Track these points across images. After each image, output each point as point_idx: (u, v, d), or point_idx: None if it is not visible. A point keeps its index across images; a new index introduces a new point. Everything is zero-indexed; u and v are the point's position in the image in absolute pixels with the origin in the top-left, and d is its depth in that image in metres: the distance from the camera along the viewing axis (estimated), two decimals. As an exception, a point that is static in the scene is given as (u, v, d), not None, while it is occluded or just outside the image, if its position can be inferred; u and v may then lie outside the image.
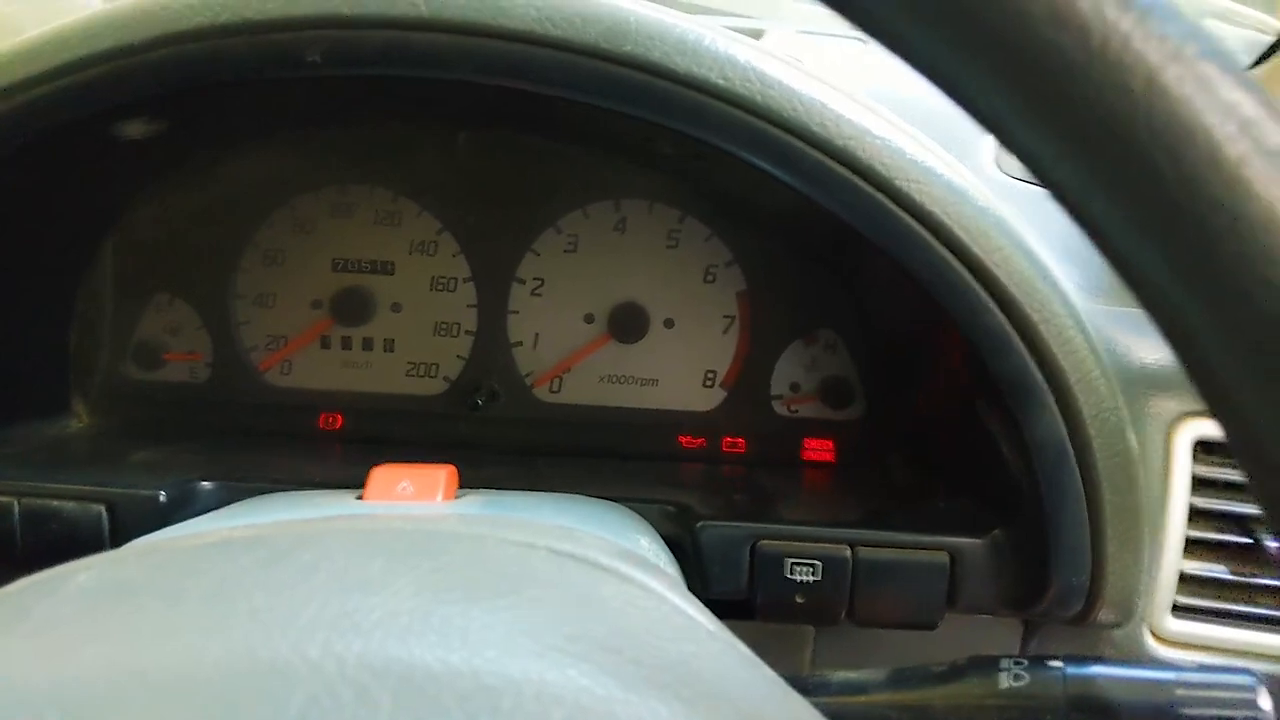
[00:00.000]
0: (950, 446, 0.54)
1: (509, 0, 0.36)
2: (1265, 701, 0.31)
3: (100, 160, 0.50)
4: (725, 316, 0.61)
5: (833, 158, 0.37)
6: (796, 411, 0.61)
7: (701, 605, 0.31)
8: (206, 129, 0.52)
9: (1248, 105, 0.16)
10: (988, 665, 0.34)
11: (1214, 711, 0.31)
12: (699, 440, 0.61)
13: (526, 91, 0.40)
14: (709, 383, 0.62)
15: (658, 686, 0.23)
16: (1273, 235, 0.16)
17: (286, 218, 0.61)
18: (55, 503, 0.48)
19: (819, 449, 0.61)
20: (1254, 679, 0.32)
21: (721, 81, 0.37)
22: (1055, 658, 0.34)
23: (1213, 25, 1.04)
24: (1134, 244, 0.17)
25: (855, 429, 0.61)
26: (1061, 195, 0.18)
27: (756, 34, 0.67)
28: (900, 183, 0.38)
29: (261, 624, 0.23)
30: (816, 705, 0.26)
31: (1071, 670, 0.33)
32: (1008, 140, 0.18)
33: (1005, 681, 0.33)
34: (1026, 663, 0.34)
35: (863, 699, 0.35)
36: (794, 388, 0.61)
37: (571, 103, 0.40)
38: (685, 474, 0.58)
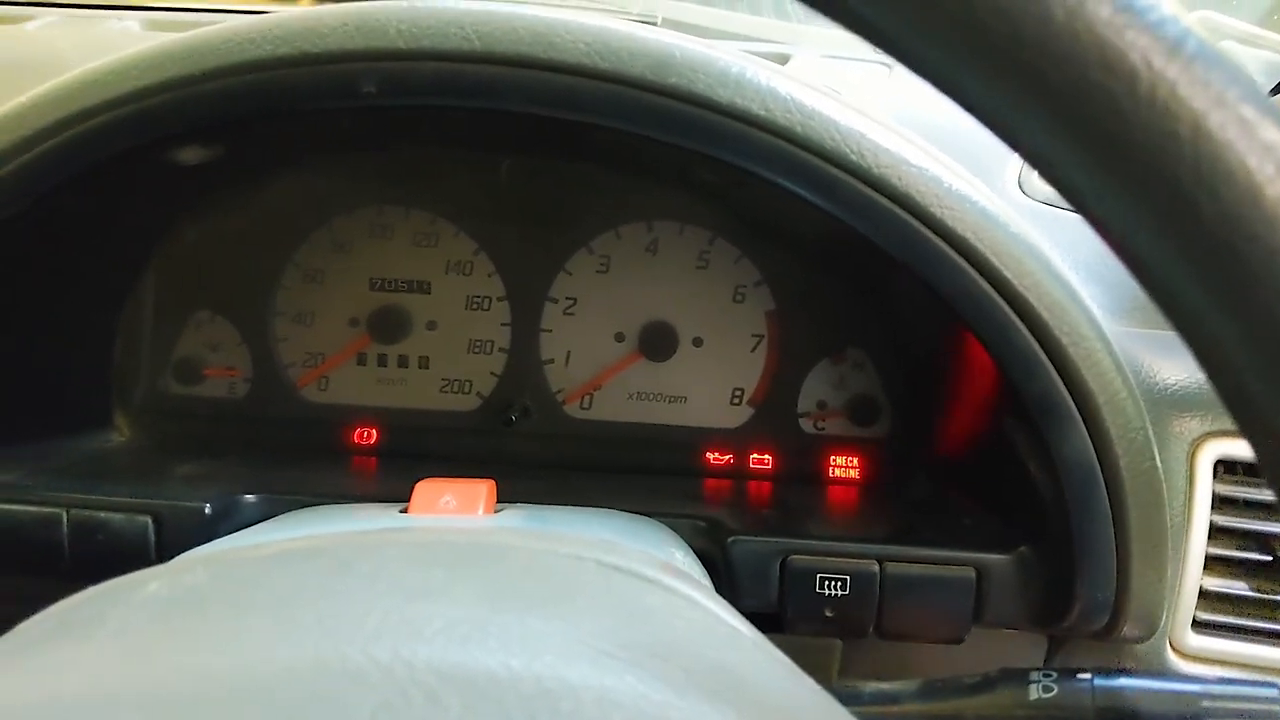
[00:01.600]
0: (977, 465, 0.55)
1: (559, 34, 0.38)
2: (1291, 713, 0.32)
3: (152, 184, 0.52)
4: (754, 335, 0.62)
5: (870, 185, 0.38)
6: (823, 429, 0.62)
7: (740, 616, 0.32)
8: (254, 153, 0.54)
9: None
10: (1018, 677, 0.35)
11: (1244, 714, 0.32)
12: (727, 456, 0.62)
13: (568, 120, 0.41)
14: (737, 400, 0.63)
15: (707, 692, 0.24)
16: None
17: (326, 238, 0.62)
18: (103, 514, 0.50)
19: (846, 466, 0.62)
20: (1278, 690, 0.33)
21: (763, 113, 0.38)
22: (1084, 670, 0.35)
23: (1232, 48, 1.05)
24: (1175, 276, 0.18)
25: (882, 447, 0.62)
26: (1104, 228, 0.19)
27: (783, 59, 0.69)
28: (935, 209, 0.39)
29: (329, 631, 0.24)
30: (853, 714, 0.27)
31: (1099, 682, 0.34)
32: (1053, 176, 0.19)
33: (1035, 693, 0.34)
34: (1056, 675, 0.35)
35: (896, 709, 0.36)
36: (821, 405, 0.62)
37: (610, 130, 0.41)
38: (714, 490, 0.59)
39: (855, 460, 0.62)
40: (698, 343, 0.62)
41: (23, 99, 0.41)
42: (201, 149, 0.46)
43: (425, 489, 0.44)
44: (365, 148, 0.58)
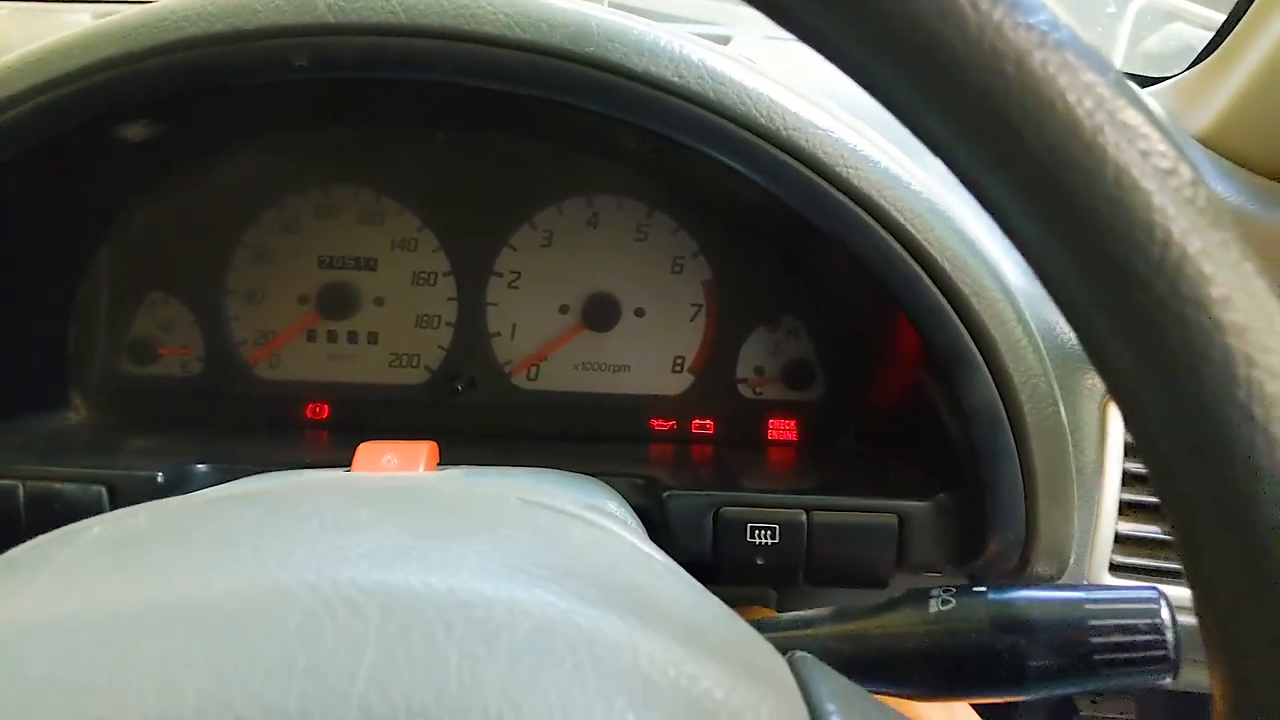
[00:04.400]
0: (903, 422, 0.58)
1: (481, 6, 0.40)
2: (1165, 613, 0.35)
3: (98, 164, 0.54)
4: (693, 305, 0.64)
5: (779, 147, 0.41)
6: (761, 394, 0.65)
7: (657, 549, 0.34)
8: (199, 132, 0.55)
9: (1102, 85, 0.20)
10: (920, 595, 0.38)
11: (1119, 622, 0.35)
12: (669, 422, 0.65)
13: (498, 92, 0.43)
14: (678, 368, 0.65)
15: (615, 605, 0.26)
16: (1121, 189, 0.19)
17: (275, 218, 0.64)
18: (58, 485, 0.51)
19: (782, 428, 0.64)
20: (1157, 593, 0.35)
21: (677, 79, 0.40)
22: (982, 587, 0.38)
23: (1176, 28, 1.08)
24: (1013, 207, 0.21)
25: (816, 409, 0.64)
26: (952, 166, 0.21)
27: (724, 40, 0.71)
28: (840, 169, 0.41)
29: (262, 559, 0.26)
30: (768, 639, 0.29)
31: (994, 595, 0.37)
32: (910, 123, 0.21)
33: (935, 606, 0.37)
34: (955, 590, 0.37)
35: (808, 632, 0.39)
36: (758, 371, 0.65)
37: (541, 102, 0.43)
38: (657, 453, 0.61)
39: (791, 423, 0.64)
40: (639, 313, 0.65)
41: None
42: (145, 126, 0.48)
43: (367, 450, 0.46)
44: (307, 127, 0.59)
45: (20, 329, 0.60)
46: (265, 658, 0.21)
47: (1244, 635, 0.19)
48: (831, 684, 0.26)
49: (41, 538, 0.31)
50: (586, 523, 0.33)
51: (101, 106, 0.44)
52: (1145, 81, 0.79)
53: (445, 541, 0.28)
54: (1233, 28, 0.70)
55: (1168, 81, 0.77)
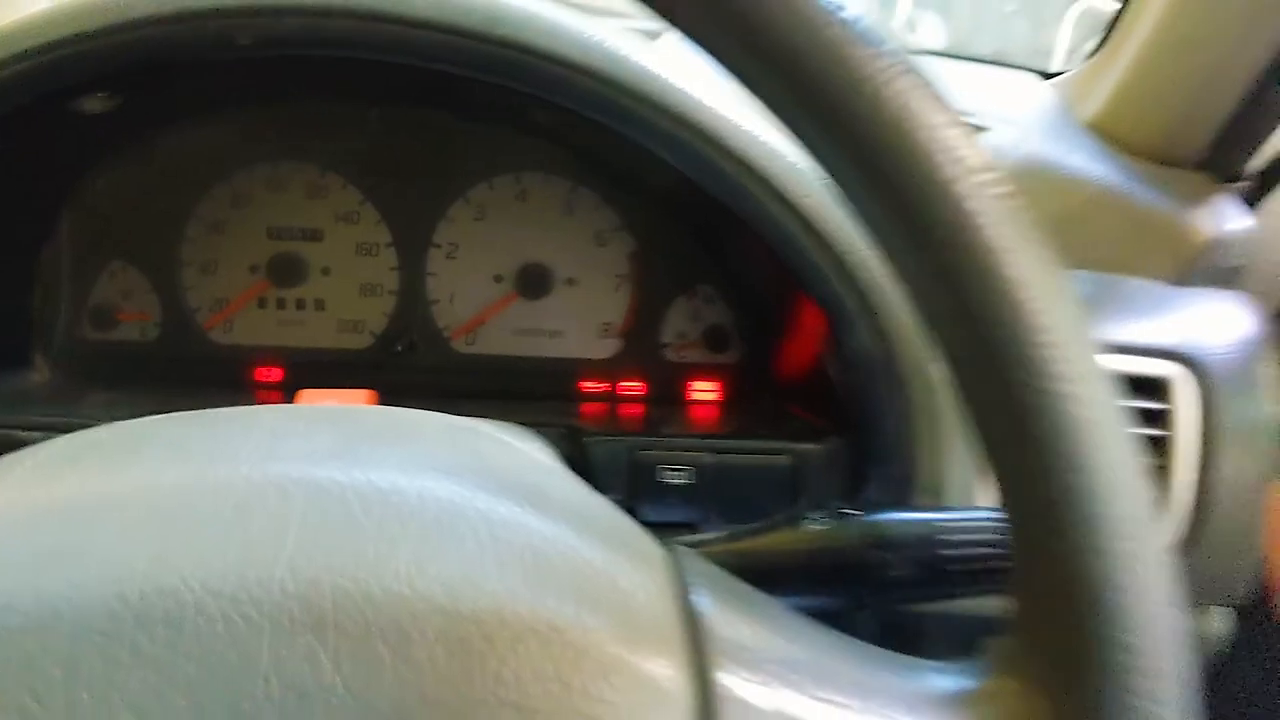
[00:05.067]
0: (810, 380, 0.63)
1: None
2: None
3: (58, 136, 0.58)
4: (618, 275, 0.69)
5: (671, 120, 0.46)
6: (684, 357, 0.70)
7: (563, 468, 0.39)
8: (154, 106, 0.60)
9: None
10: (799, 517, 0.43)
11: (968, 538, 0.40)
12: (600, 384, 0.70)
13: (428, 72, 0.48)
14: (606, 334, 0.70)
15: (513, 496, 0.30)
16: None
17: (226, 191, 0.68)
18: (22, 433, 0.56)
19: (704, 389, 0.69)
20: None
21: (578, 56, 0.45)
22: (856, 510, 0.43)
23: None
24: (772, 90, 0.24)
25: (734, 370, 0.70)
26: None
27: (654, 35, 0.76)
28: (729, 141, 0.46)
29: (206, 458, 0.30)
30: None
31: (861, 517, 0.42)
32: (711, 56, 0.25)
33: (811, 526, 0.42)
34: (830, 513, 0.43)
35: (700, 549, 0.44)
36: (681, 336, 0.70)
37: (467, 81, 0.48)
38: (586, 410, 0.66)
39: (712, 384, 0.69)
40: (570, 282, 0.70)
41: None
42: (103, 99, 0.52)
43: (307, 396, 0.51)
44: (255, 103, 0.64)
45: (-17, 294, 0.64)
46: (205, 533, 0.25)
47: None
48: (700, 565, 0.31)
49: (12, 454, 0.35)
50: (498, 440, 0.38)
51: (61, 80, 0.48)
52: (1047, 75, 0.86)
53: (369, 446, 0.32)
54: (1119, 20, 0.76)
55: (1066, 74, 0.83)
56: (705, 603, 0.28)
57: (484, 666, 0.24)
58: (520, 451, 0.37)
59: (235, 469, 0.28)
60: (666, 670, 0.25)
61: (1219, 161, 0.70)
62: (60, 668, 0.23)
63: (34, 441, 0.55)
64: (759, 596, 0.31)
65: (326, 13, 0.44)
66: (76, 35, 0.45)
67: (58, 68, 0.46)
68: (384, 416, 0.38)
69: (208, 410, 0.36)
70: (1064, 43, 1.29)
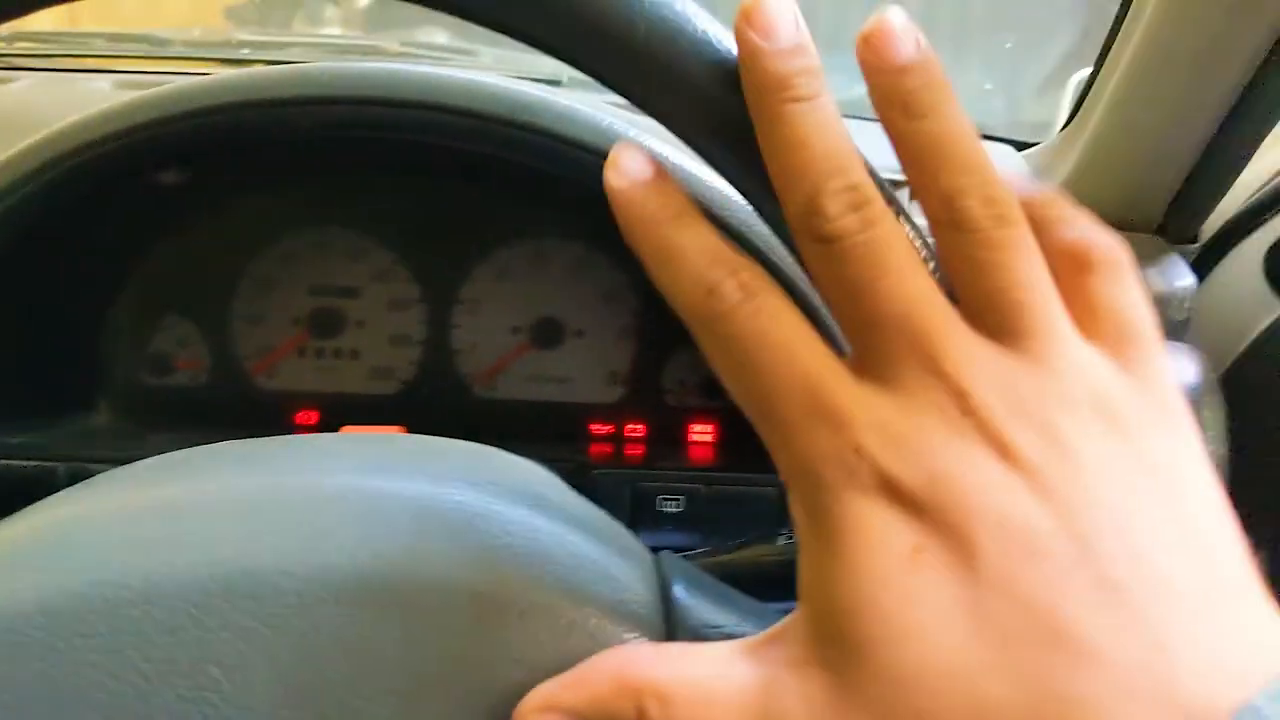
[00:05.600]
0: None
1: (442, 83, 0.53)
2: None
3: (133, 206, 0.66)
4: (624, 327, 0.77)
5: None
6: (683, 402, 0.77)
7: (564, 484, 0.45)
8: (219, 178, 0.68)
9: None
10: (771, 535, 0.49)
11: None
12: (607, 426, 0.76)
13: (456, 149, 0.56)
14: (613, 381, 0.77)
15: (522, 501, 0.36)
16: None
17: (275, 252, 0.76)
18: (93, 465, 0.62)
19: (702, 431, 0.76)
20: None
21: (591, 140, 0.53)
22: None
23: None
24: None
25: (729, 413, 0.76)
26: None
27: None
28: (725, 211, 0.53)
29: (276, 471, 0.36)
30: None
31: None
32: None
33: (782, 540, 0.48)
34: (797, 531, 0.49)
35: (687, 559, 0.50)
36: (681, 382, 0.77)
37: (497, 160, 0.55)
38: (593, 450, 0.73)
39: (709, 426, 0.76)
40: (580, 334, 0.77)
41: (37, 136, 0.55)
42: (177, 173, 0.60)
43: (348, 431, 0.58)
44: (306, 176, 0.72)
45: (56, 343, 0.71)
46: (280, 527, 0.31)
47: None
48: (681, 564, 0.37)
49: (105, 473, 0.42)
50: (510, 460, 0.44)
51: (142, 159, 0.56)
52: (1022, 146, 0.93)
53: (407, 463, 0.38)
54: (1085, 96, 0.83)
55: (1038, 146, 0.91)
56: (682, 590, 0.34)
57: (497, 633, 0.30)
58: (529, 469, 0.44)
59: (300, 478, 0.35)
60: (644, 640, 0.31)
61: (1173, 226, 0.77)
62: (162, 633, 0.29)
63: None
64: (730, 589, 0.37)
65: (375, 101, 0.52)
66: (159, 119, 0.53)
67: (140, 148, 0.54)
68: (417, 442, 0.44)
69: (273, 437, 0.42)
70: (1065, 108, 1.36)
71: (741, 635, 0.32)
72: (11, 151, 0.57)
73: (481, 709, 0.30)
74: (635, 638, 0.31)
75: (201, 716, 0.29)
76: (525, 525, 0.34)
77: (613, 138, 0.53)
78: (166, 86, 0.55)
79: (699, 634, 0.32)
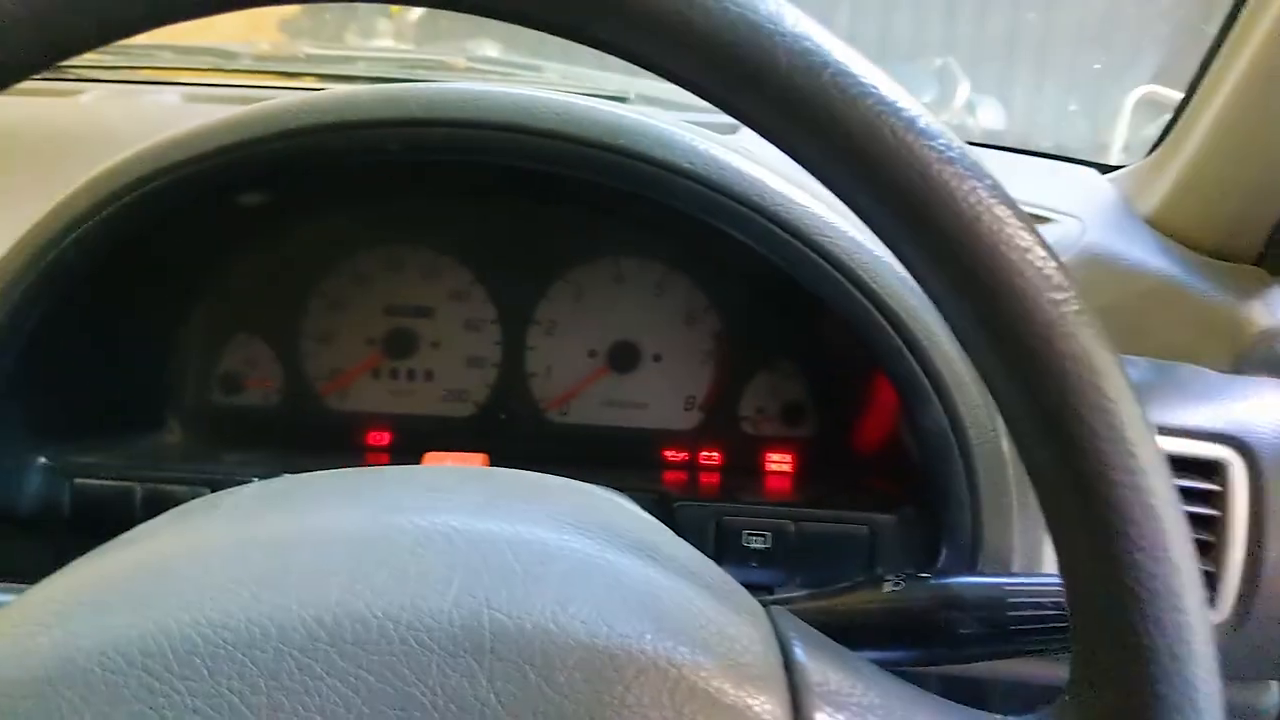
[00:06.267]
0: (881, 452, 0.67)
1: (537, 106, 0.51)
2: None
3: (212, 225, 0.65)
4: (703, 351, 0.75)
5: (767, 218, 0.51)
6: (761, 430, 0.75)
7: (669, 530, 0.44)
8: (297, 199, 0.67)
9: (982, 189, 0.29)
10: (877, 579, 0.47)
11: (1032, 600, 0.44)
12: (681, 453, 0.75)
13: (543, 171, 0.54)
14: (689, 406, 0.75)
15: (634, 550, 0.35)
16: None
17: (349, 270, 0.75)
18: (168, 487, 0.62)
19: (779, 460, 0.74)
20: None
21: (688, 165, 0.51)
22: (928, 574, 0.47)
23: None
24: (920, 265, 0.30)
25: (809, 444, 0.74)
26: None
27: (732, 129, 0.82)
28: (816, 236, 0.52)
29: (381, 506, 0.35)
30: None
31: (935, 580, 0.46)
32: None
33: (888, 588, 0.46)
34: (905, 576, 0.47)
35: (786, 607, 0.48)
36: (759, 410, 0.75)
37: (579, 179, 0.54)
38: (669, 478, 0.71)
39: (787, 455, 0.74)
40: (657, 358, 0.75)
41: (129, 152, 0.54)
42: (260, 194, 0.59)
43: (432, 458, 0.56)
44: (383, 195, 0.71)
45: (128, 361, 0.71)
46: (385, 570, 0.30)
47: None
48: (796, 624, 0.35)
49: (201, 499, 0.41)
50: (613, 501, 0.43)
51: (229, 179, 0.55)
52: (1106, 169, 0.90)
53: (513, 502, 0.37)
54: (1178, 120, 0.80)
55: (1125, 169, 0.87)
56: (799, 651, 0.32)
57: (612, 692, 0.29)
58: (632, 513, 0.42)
59: (407, 517, 0.33)
60: (767, 706, 0.29)
61: (1274, 257, 0.74)
62: (265, 677, 0.28)
63: (177, 494, 0.62)
64: (844, 650, 0.35)
65: (468, 124, 0.51)
66: (250, 140, 0.52)
67: (229, 170, 0.53)
68: (520, 479, 0.42)
69: (371, 467, 0.41)
70: (1123, 132, 1.33)
71: (869, 703, 0.31)
72: (97, 171, 0.56)
73: None
74: (757, 704, 0.29)
75: None
76: (640, 577, 0.32)
77: (708, 161, 0.52)
78: (255, 107, 0.54)
79: (824, 700, 0.30)
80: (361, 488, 0.38)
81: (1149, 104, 1.29)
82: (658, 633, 0.30)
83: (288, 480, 0.39)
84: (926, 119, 0.27)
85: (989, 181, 0.27)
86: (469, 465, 0.56)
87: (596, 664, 0.29)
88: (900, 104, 0.27)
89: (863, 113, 0.27)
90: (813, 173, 0.29)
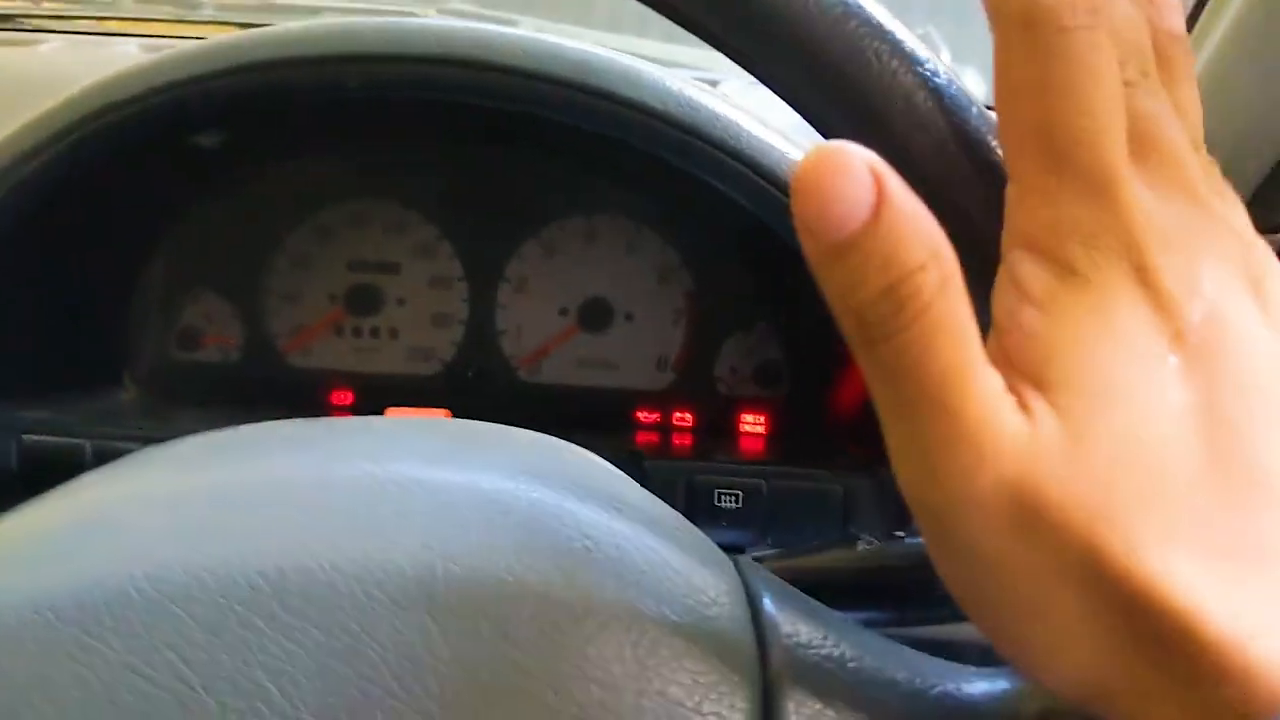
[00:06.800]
0: (857, 412, 0.66)
1: (504, 40, 0.49)
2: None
3: (167, 170, 0.63)
4: (676, 311, 0.73)
5: (741, 162, 0.50)
6: (735, 391, 0.73)
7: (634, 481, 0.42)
8: (257, 144, 0.65)
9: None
10: (851, 538, 0.46)
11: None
12: (653, 414, 0.73)
13: (512, 116, 0.52)
14: (662, 367, 0.74)
15: (596, 501, 0.33)
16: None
17: (311, 225, 0.72)
18: (119, 444, 0.60)
19: (754, 422, 0.72)
20: None
21: (659, 105, 0.49)
22: (903, 534, 0.46)
23: None
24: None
25: (784, 405, 0.73)
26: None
27: (714, 84, 0.80)
28: (780, 175, 0.50)
29: (330, 457, 0.33)
30: None
31: (909, 539, 0.45)
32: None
33: (861, 547, 0.45)
34: (880, 535, 0.45)
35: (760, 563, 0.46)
36: (733, 371, 0.73)
37: (547, 124, 0.52)
38: (641, 438, 0.70)
39: (762, 417, 0.72)
40: (629, 317, 0.73)
41: (74, 89, 0.52)
42: (216, 135, 0.57)
43: (393, 414, 0.54)
44: (346, 144, 0.68)
45: (80, 316, 0.68)
46: (336, 520, 0.28)
47: None
48: (765, 576, 0.34)
49: (143, 450, 0.39)
50: (577, 452, 0.41)
51: (180, 118, 0.52)
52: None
53: (472, 453, 0.35)
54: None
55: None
56: (768, 603, 0.31)
57: (573, 647, 0.27)
58: (598, 465, 0.40)
59: (359, 465, 0.31)
60: (734, 658, 0.28)
61: (1258, 213, 0.72)
62: (205, 632, 0.26)
63: (131, 451, 0.59)
64: (815, 603, 0.34)
65: (427, 59, 0.49)
66: (200, 75, 0.50)
67: (179, 107, 0.51)
68: (479, 429, 0.41)
69: (323, 418, 0.40)
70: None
71: (839, 655, 0.30)
72: (40, 110, 0.54)
73: None
74: (723, 655, 0.28)
75: None
76: (605, 528, 0.31)
77: (683, 102, 0.50)
78: (207, 40, 0.51)
79: (792, 652, 0.29)
80: (313, 438, 0.36)
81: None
82: (620, 584, 0.29)
83: (236, 430, 0.38)
84: (912, 44, 0.26)
85: (974, 110, 0.26)
86: (432, 415, 0.54)
87: (555, 617, 0.28)
88: (886, 26, 0.25)
89: (847, 34, 0.25)
90: (786, 98, 0.27)
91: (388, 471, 0.31)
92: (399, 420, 0.39)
